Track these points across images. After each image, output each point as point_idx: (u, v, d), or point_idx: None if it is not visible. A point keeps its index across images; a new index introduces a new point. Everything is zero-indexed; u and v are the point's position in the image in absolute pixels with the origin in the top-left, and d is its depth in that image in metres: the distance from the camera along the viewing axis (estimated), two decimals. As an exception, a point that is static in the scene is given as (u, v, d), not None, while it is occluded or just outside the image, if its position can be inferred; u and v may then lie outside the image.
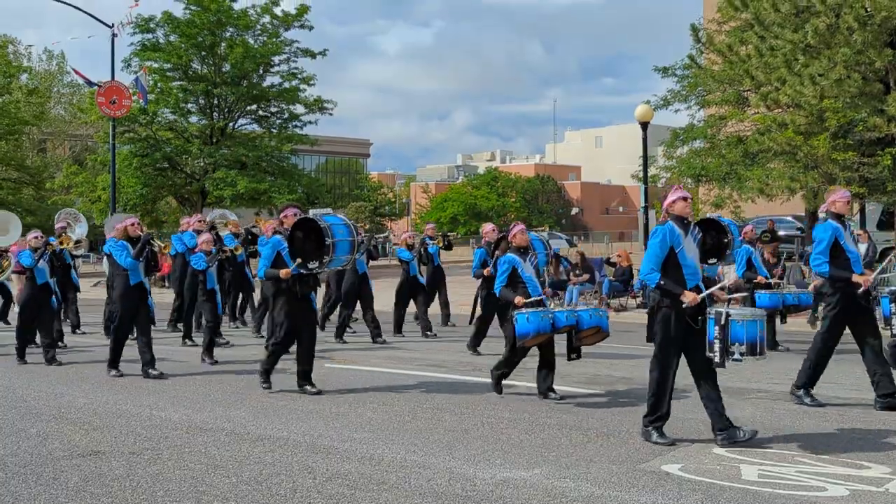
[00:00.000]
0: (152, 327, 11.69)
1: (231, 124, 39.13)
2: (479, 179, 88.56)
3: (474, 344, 13.19)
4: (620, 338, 15.39)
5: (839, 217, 8.71)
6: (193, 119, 38.65)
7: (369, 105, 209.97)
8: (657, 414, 7.38)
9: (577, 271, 19.62)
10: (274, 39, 38.32)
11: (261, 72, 38.46)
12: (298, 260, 9.54)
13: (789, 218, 28.02)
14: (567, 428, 8.03)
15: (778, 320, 13.66)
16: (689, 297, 7.07)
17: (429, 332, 15.61)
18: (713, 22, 25.76)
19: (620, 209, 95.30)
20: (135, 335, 11.68)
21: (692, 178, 25.54)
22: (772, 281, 13.37)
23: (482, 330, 13.16)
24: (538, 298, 9.30)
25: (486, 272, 12.46)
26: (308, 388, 9.97)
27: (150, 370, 11.19)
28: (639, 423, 7.71)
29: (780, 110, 21.44)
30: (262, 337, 14.34)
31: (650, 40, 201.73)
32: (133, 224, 11.50)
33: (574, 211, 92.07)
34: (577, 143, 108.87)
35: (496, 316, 11.53)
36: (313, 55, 38.91)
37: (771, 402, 9.23)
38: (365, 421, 8.52)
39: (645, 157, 22.75)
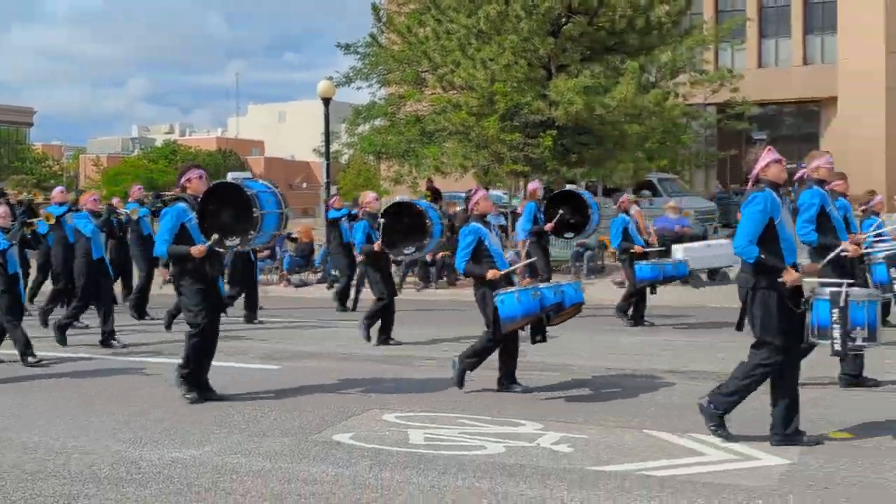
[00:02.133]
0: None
1: None
2: (156, 152, 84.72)
3: (381, 334, 11.37)
4: (305, 313, 15.44)
5: (821, 183, 7.96)
6: None
7: (32, 71, 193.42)
8: (794, 426, 6.26)
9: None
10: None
11: None
12: (215, 236, 7.71)
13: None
14: (241, 402, 7.90)
15: (648, 291, 12.96)
16: (791, 276, 6.14)
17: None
18: (394, 3, 26.34)
19: (304, 185, 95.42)
20: None
21: (374, 155, 26.08)
22: (648, 249, 13.08)
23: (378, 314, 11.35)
24: (508, 271, 8.33)
25: (376, 247, 11.09)
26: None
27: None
28: (315, 395, 7.77)
29: (454, 92, 22.37)
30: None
31: (336, 17, 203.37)
32: None
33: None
34: (261, 117, 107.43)
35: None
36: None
37: (438, 369, 9.63)
38: (28, 409, 7.88)
39: (327, 134, 22.88)
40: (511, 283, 8.40)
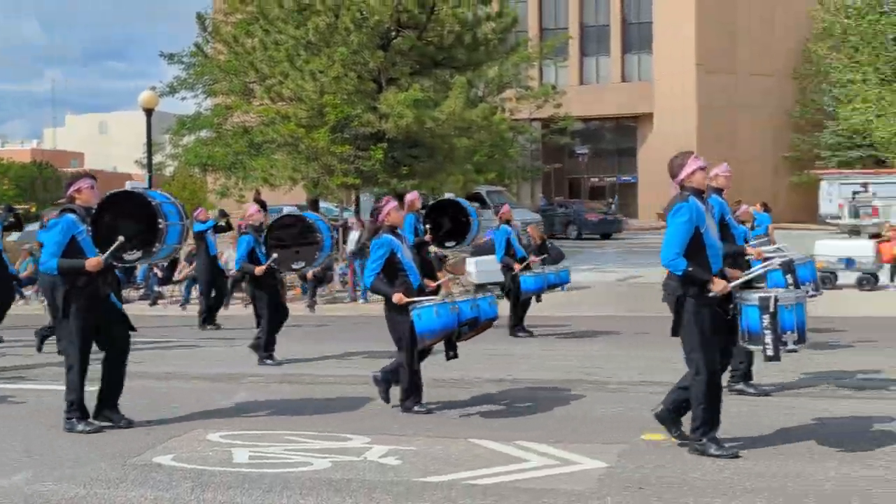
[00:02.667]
0: None
1: None
2: (-35, 166, 79.78)
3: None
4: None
5: (719, 191, 8.08)
6: None
7: None
8: (713, 426, 6.24)
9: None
10: None
11: None
12: (120, 238, 7.03)
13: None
14: (56, 428, 7.48)
15: (534, 299, 12.91)
16: (719, 285, 6.10)
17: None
18: (221, 12, 25.84)
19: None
20: None
21: (199, 167, 25.45)
22: (530, 260, 12.90)
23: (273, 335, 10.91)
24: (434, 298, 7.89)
25: (257, 271, 10.50)
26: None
27: None
28: (136, 417, 7.47)
29: (283, 103, 22.14)
30: None
31: (160, 26, 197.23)
32: None
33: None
34: (81, 128, 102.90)
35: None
36: None
37: (266, 385, 9.46)
38: None
39: (149, 145, 22.17)
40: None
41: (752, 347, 6.45)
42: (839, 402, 7.95)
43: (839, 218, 25.45)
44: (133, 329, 7.61)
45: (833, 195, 28.70)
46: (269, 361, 10.62)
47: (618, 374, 9.53)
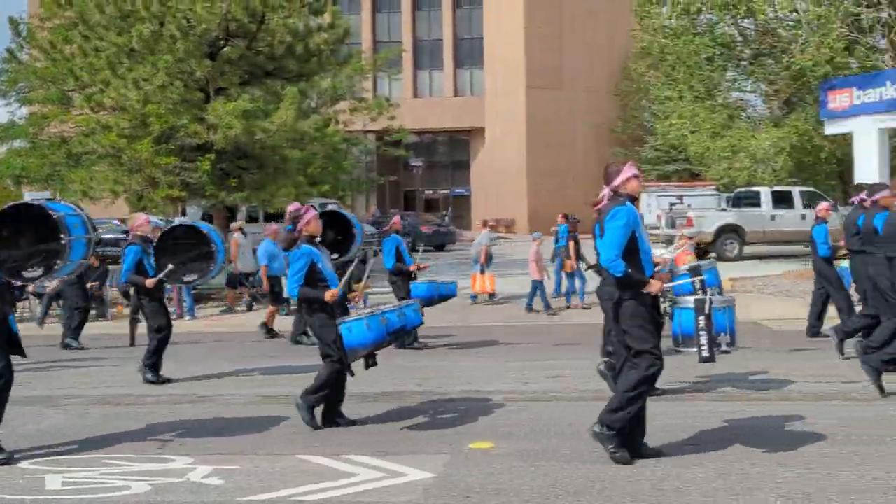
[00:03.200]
0: None
1: None
2: None
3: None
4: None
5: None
6: None
7: None
8: (629, 412, 6.23)
9: None
10: None
11: None
12: (11, 264, 6.53)
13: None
14: None
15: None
16: (655, 286, 6.20)
17: None
18: (37, 17, 24.57)
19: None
20: None
21: (12, 179, 24.06)
22: (418, 268, 12.74)
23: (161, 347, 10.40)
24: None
25: (149, 283, 10.01)
26: None
27: None
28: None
29: (105, 112, 21.22)
30: None
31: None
32: None
33: None
34: None
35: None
36: None
37: (84, 407, 9.01)
38: None
39: (-42, 155, 20.81)
40: (347, 311, 7.96)
41: (685, 350, 6.60)
42: (728, 405, 8.18)
43: (657, 228, 26.64)
44: (23, 355, 7.10)
45: (652, 206, 30.02)
46: (150, 377, 10.14)
47: (446, 385, 9.59)
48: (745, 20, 25.55)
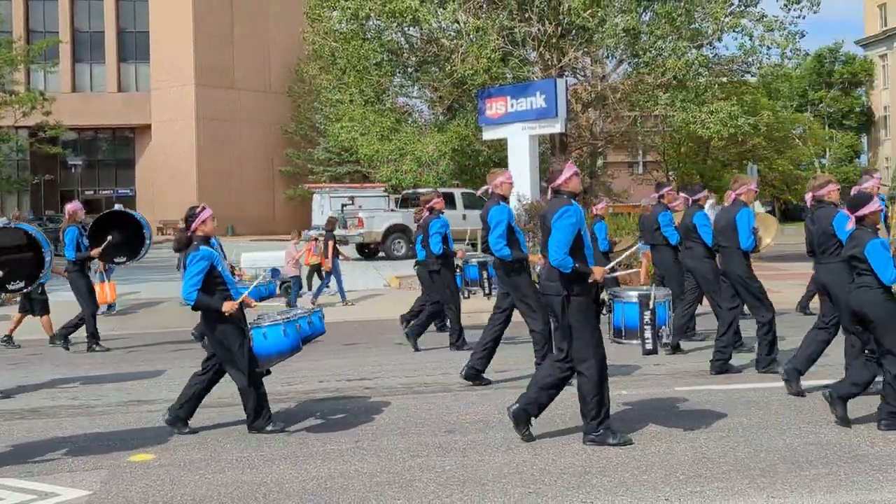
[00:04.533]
0: None
1: None
2: None
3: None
4: None
5: (505, 199, 8.75)
6: None
7: None
8: (605, 411, 6.40)
9: None
10: None
11: None
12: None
13: None
14: None
15: None
16: (599, 272, 6.34)
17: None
18: None
19: None
20: None
21: None
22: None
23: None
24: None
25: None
26: None
27: None
28: None
29: None
30: None
31: None
32: None
33: None
34: None
35: None
36: None
37: None
38: None
39: None
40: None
41: (626, 342, 6.80)
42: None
43: (337, 230, 27.07)
44: None
45: (325, 207, 30.39)
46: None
47: (106, 399, 9.03)
48: (411, 28, 26.55)
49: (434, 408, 7.80)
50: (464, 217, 26.69)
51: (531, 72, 25.00)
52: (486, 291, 10.54)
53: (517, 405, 6.60)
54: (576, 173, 6.59)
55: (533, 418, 6.62)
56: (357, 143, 28.32)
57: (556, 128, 23.09)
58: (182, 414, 7.16)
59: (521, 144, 23.17)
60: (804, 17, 24.72)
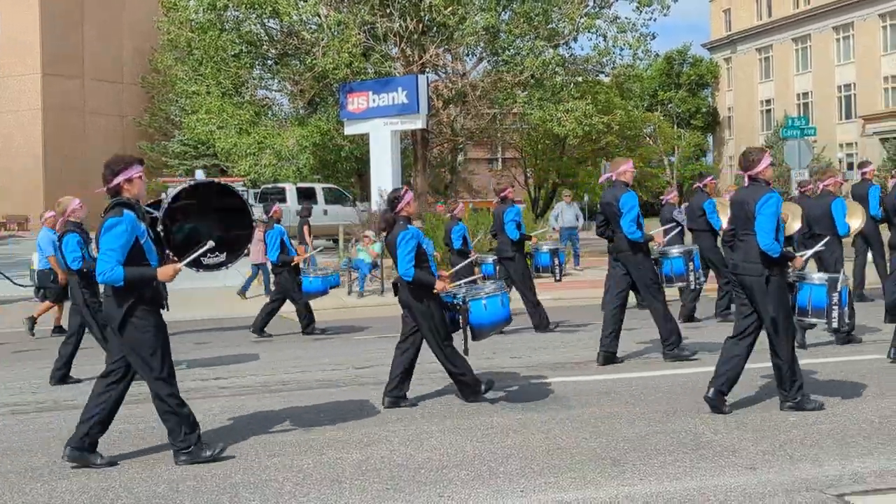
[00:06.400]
0: None
1: None
2: None
3: None
4: None
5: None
6: None
7: None
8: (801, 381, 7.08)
9: None
10: None
11: None
12: None
13: None
14: None
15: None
16: (798, 261, 7.09)
17: None
18: None
19: None
20: None
21: None
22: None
23: None
24: None
25: None
26: None
27: None
28: None
29: None
30: None
31: None
32: None
33: None
34: None
35: None
36: None
37: None
38: None
39: None
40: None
41: (812, 321, 7.26)
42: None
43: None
44: None
45: (181, 202, 29.65)
46: None
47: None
48: (271, 20, 26.11)
49: (290, 405, 7.70)
50: (325, 212, 26.43)
51: (393, 67, 25.01)
52: (557, 278, 11.69)
53: (711, 389, 6.96)
54: (771, 163, 6.94)
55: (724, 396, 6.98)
56: (214, 136, 27.67)
57: (418, 124, 23.22)
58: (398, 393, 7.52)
59: (383, 139, 23.18)
60: (655, 20, 25.84)
